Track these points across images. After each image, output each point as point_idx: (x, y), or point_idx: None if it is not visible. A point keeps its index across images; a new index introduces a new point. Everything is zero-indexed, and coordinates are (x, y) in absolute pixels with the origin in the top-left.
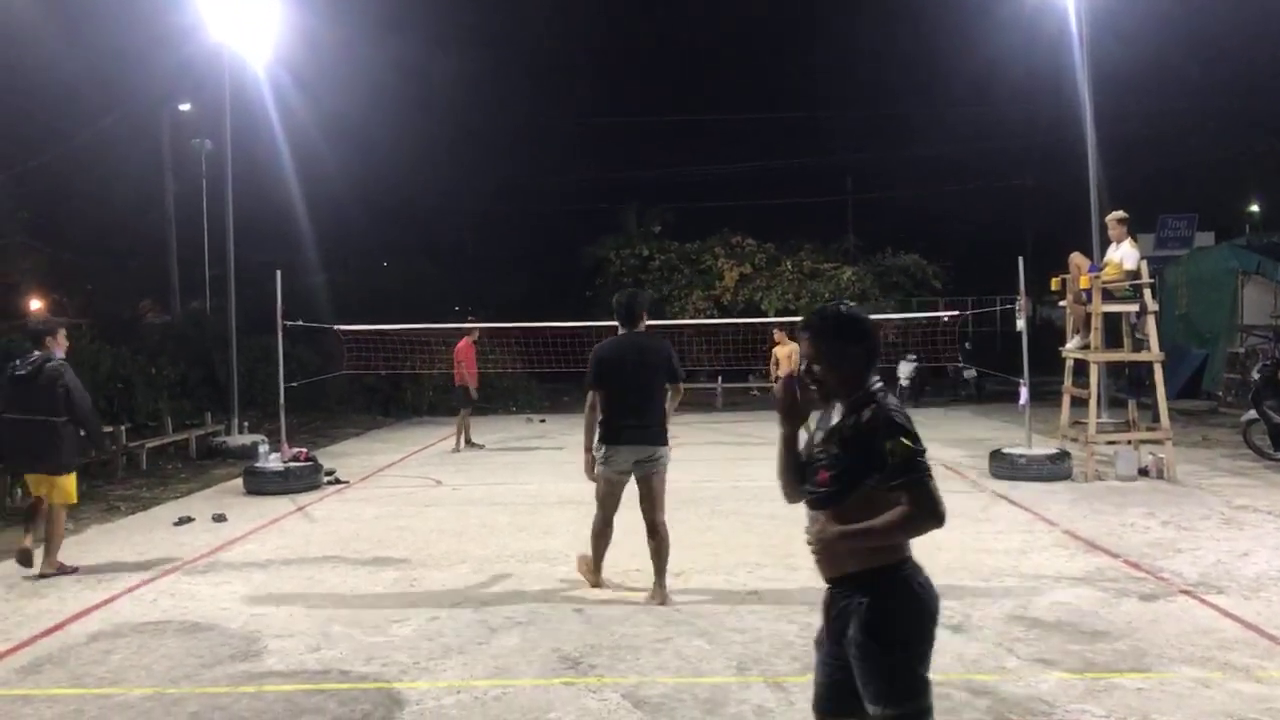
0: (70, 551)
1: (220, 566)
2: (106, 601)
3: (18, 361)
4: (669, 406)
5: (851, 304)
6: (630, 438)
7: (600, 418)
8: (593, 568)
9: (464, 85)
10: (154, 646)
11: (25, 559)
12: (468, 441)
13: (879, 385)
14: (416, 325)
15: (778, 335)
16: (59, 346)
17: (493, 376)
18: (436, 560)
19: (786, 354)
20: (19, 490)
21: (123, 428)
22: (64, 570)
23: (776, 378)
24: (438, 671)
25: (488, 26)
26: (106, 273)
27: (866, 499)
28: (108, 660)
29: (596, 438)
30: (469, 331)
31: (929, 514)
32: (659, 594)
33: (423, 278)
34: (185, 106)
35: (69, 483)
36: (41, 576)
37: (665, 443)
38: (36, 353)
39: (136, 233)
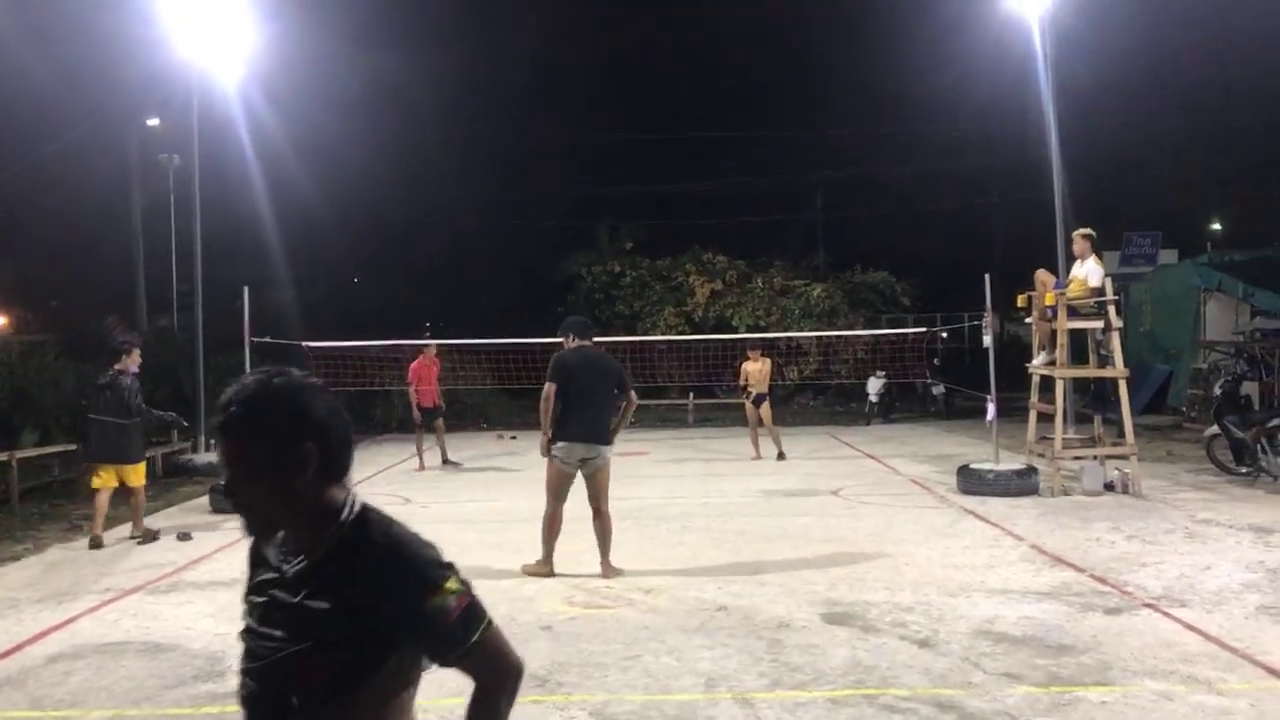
0: (31, 572)
1: (184, 586)
2: (66, 622)
3: (102, 374)
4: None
5: (290, 372)
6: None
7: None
8: (544, 558)
9: (437, 102)
10: (114, 668)
11: (97, 544)
12: (444, 460)
13: (359, 502)
14: (385, 342)
15: (751, 353)
16: (132, 363)
17: (463, 393)
18: None
19: (758, 369)
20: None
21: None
22: (149, 535)
23: (746, 391)
24: None
25: (461, 44)
26: (72, 288)
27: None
28: (67, 682)
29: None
30: (424, 349)
31: (514, 672)
32: (607, 569)
33: (394, 294)
34: (153, 122)
35: (139, 470)
36: (133, 538)
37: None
38: (116, 366)
39: (103, 248)
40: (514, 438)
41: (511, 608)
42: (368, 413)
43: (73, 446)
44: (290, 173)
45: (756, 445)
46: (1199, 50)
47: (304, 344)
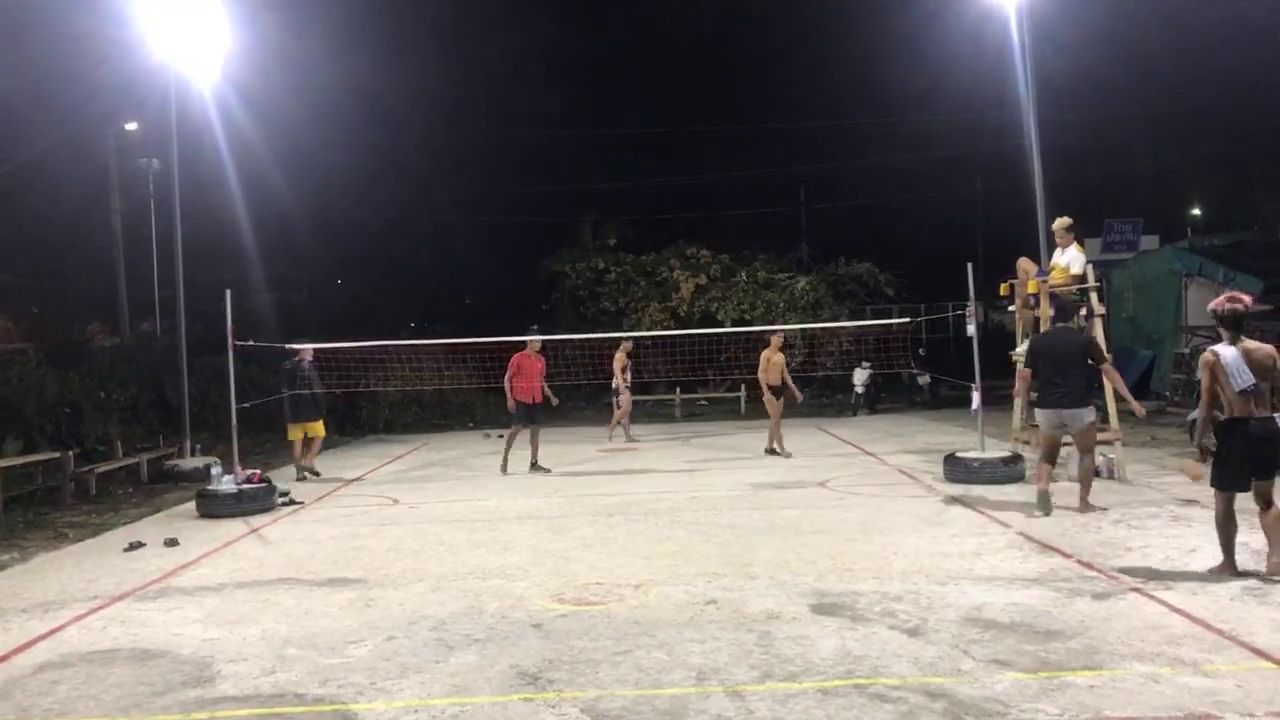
0: (17, 580)
1: (172, 592)
2: (53, 631)
3: (288, 362)
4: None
5: None
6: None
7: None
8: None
9: (418, 100)
10: (103, 675)
11: (312, 473)
12: (531, 464)
13: None
14: (370, 343)
15: (775, 340)
16: (306, 357)
17: (449, 393)
18: (393, 579)
19: (779, 363)
20: None
21: (70, 453)
22: (313, 471)
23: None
24: (394, 692)
25: (439, 43)
26: (53, 295)
27: None
28: (55, 691)
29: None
30: (529, 343)
31: None
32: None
33: (377, 294)
34: (132, 126)
35: (318, 425)
36: (299, 475)
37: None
38: (297, 358)
39: (84, 254)
40: (500, 436)
41: (501, 605)
42: (355, 415)
43: (56, 454)
44: (269, 176)
45: (781, 443)
46: (1176, 38)
47: (287, 346)
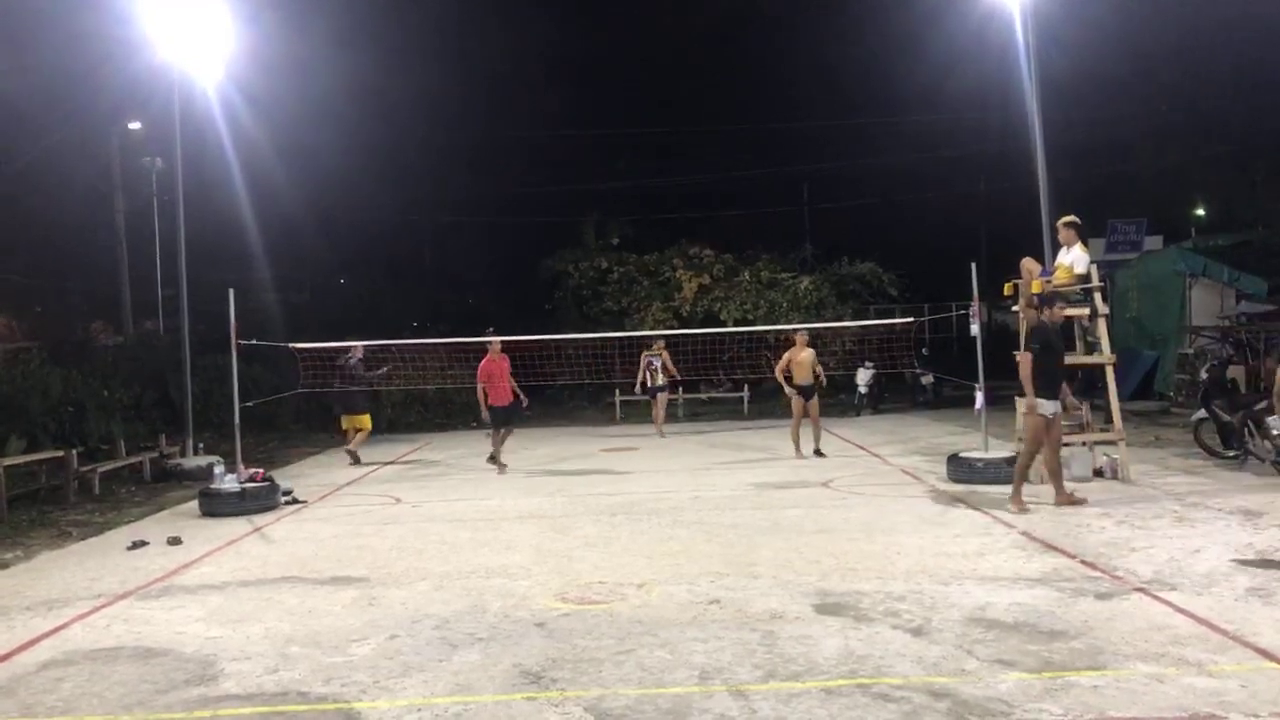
0: (21, 579)
1: (175, 590)
2: (57, 629)
3: (340, 357)
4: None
5: None
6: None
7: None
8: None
9: (421, 99)
10: (107, 673)
11: (355, 459)
12: (491, 458)
13: None
14: (372, 342)
15: (798, 337)
16: (357, 354)
17: (452, 392)
18: (396, 578)
19: (807, 357)
20: None
21: (74, 452)
22: (356, 458)
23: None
24: (398, 690)
25: (444, 40)
26: (56, 294)
27: None
28: (58, 689)
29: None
30: (489, 345)
31: None
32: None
33: (380, 294)
34: (135, 125)
35: (365, 418)
36: (347, 453)
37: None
38: (347, 355)
39: (87, 253)
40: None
41: (504, 604)
42: None
43: (59, 453)
44: (273, 175)
45: (798, 443)
46: (1181, 38)
47: (290, 345)
